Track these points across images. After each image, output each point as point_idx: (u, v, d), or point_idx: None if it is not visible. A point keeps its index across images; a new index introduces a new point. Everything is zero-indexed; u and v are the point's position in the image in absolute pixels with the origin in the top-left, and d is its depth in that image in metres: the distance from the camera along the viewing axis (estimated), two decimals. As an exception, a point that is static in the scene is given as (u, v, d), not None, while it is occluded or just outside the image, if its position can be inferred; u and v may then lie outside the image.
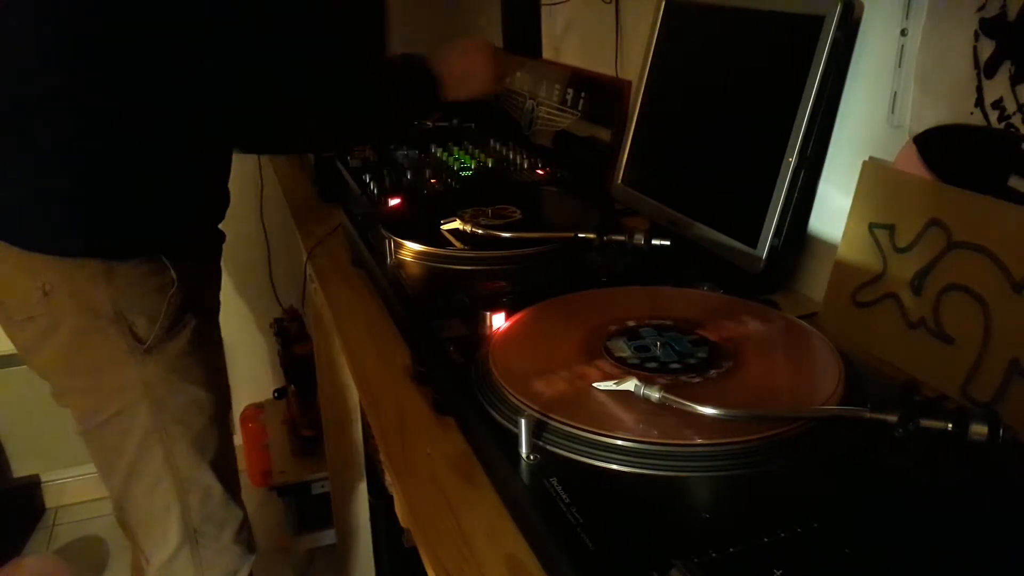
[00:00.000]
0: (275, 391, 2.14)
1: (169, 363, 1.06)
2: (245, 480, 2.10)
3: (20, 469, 2.20)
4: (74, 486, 2.25)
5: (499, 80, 1.22)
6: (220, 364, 1.17)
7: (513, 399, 0.63)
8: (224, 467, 1.16)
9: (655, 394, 0.59)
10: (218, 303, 1.22)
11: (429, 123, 1.68)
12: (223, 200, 1.15)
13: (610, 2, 1.41)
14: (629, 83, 1.33)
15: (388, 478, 0.69)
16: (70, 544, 2.13)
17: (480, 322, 0.77)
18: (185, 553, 1.14)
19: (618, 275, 0.90)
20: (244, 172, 2.06)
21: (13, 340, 1.07)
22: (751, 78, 0.99)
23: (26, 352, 1.06)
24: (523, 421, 0.57)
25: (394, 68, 1.18)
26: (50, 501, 2.28)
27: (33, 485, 2.26)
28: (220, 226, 1.18)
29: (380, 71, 1.17)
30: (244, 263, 2.20)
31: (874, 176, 0.83)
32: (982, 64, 0.73)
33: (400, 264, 0.96)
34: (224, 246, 1.22)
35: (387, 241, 0.96)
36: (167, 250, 1.04)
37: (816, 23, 0.86)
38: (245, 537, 1.21)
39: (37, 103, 0.93)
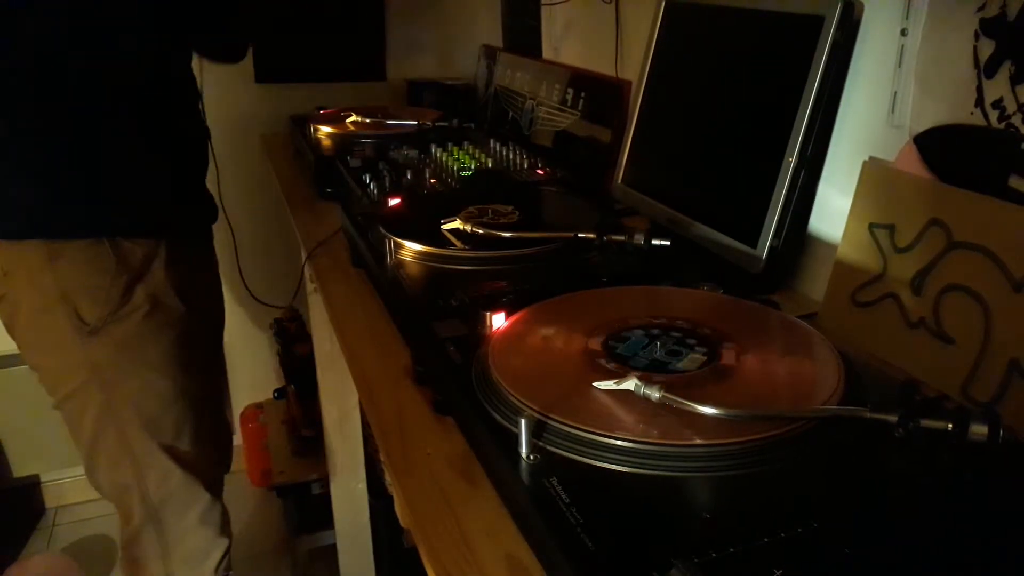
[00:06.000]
0: (275, 391, 2.14)
1: (117, 346, 1.07)
2: (245, 480, 2.10)
3: (20, 469, 2.20)
4: (74, 486, 2.25)
5: None
6: (189, 352, 1.15)
7: (513, 399, 0.63)
8: (186, 451, 1.16)
9: (655, 394, 0.59)
10: (205, 289, 1.20)
11: (429, 123, 1.67)
12: (174, 179, 1.12)
13: (610, 2, 1.41)
14: (629, 83, 1.33)
15: (388, 478, 0.69)
16: (70, 544, 2.13)
17: (480, 322, 0.77)
18: (149, 530, 1.16)
19: (618, 275, 0.90)
20: (247, 170, 2.07)
21: None
22: (751, 78, 0.99)
23: (7, 329, 1.11)
24: (523, 421, 0.57)
25: None
26: (50, 501, 2.28)
27: (33, 485, 2.26)
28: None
29: None
30: (243, 263, 2.20)
31: (874, 176, 0.83)
32: (982, 64, 0.73)
33: (400, 264, 0.96)
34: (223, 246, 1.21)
35: (387, 241, 0.96)
36: (111, 231, 1.04)
37: (816, 23, 0.86)
38: (215, 520, 1.21)
39: None
